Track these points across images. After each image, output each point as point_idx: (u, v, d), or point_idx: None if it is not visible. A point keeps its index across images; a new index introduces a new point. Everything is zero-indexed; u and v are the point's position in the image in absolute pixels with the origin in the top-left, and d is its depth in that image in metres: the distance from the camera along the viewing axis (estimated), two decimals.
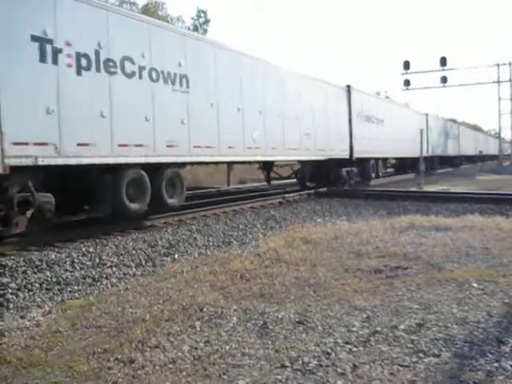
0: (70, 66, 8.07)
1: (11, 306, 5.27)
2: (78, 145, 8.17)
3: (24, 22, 7.35)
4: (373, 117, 21.73)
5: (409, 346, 3.77)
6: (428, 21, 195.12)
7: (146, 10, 37.90)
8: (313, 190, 16.82)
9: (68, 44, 8.01)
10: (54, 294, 5.72)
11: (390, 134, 22.23)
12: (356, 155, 19.48)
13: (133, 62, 9.35)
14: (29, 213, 7.37)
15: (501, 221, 9.49)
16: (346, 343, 3.86)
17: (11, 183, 7.28)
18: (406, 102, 29.65)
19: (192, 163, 12.58)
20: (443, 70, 36.57)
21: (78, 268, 6.69)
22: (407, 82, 37.97)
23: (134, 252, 7.64)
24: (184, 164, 11.72)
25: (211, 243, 8.57)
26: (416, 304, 4.75)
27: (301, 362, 3.55)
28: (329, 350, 3.73)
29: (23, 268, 6.52)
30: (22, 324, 4.68)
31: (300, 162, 17.15)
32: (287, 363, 3.53)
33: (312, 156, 16.54)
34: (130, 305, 5.06)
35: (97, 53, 8.57)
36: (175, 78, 10.41)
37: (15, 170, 7.11)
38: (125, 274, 6.58)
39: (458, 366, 3.40)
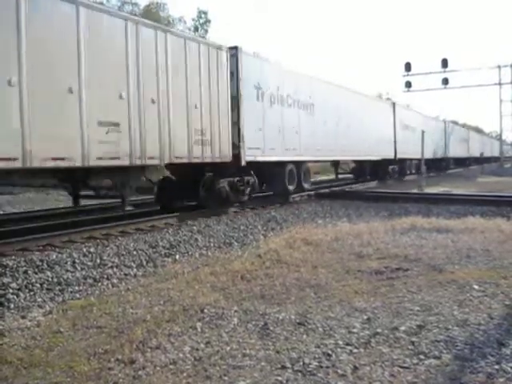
0: (267, 101, 13.82)
1: (12, 306, 5.27)
2: (270, 149, 13.70)
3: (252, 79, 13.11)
4: (409, 126, 27.08)
5: (409, 347, 3.77)
6: (429, 22, 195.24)
7: (147, 11, 37.99)
8: (313, 192, 16.81)
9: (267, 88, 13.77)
10: (54, 294, 5.72)
11: (417, 140, 24.07)
12: (398, 156, 24.96)
13: (290, 97, 15.16)
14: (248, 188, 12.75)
15: (502, 223, 9.48)
16: (347, 344, 3.87)
17: (248, 170, 12.88)
18: (408, 103, 29.90)
19: (319, 161, 20.77)
20: (444, 71, 36.62)
21: (78, 268, 6.70)
22: (408, 84, 38.00)
23: (134, 252, 7.64)
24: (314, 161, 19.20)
25: (212, 244, 8.57)
26: (417, 306, 4.75)
27: (301, 363, 3.55)
28: (329, 352, 3.73)
29: (24, 268, 6.53)
30: (22, 324, 4.69)
31: (367, 161, 22.98)
32: (288, 364, 3.53)
33: (375, 157, 22.51)
34: (130, 305, 5.07)
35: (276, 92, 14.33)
36: (307, 106, 16.22)
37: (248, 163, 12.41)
38: (126, 275, 6.58)
39: (459, 367, 3.40)
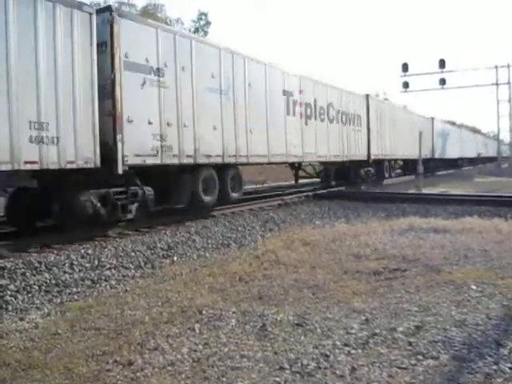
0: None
1: (10, 308, 5.27)
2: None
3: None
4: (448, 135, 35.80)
5: (407, 348, 3.78)
6: (427, 23, 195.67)
7: (144, 12, 37.94)
8: (311, 193, 16.86)
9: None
10: (52, 296, 5.72)
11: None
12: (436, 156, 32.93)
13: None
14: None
15: (499, 223, 9.50)
16: (345, 345, 3.87)
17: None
18: (405, 104, 29.79)
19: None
20: (442, 72, 36.59)
21: (76, 270, 6.69)
22: (406, 84, 37.98)
23: (132, 254, 7.63)
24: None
25: (210, 245, 8.57)
26: (415, 306, 4.76)
27: (299, 364, 3.55)
28: (327, 353, 3.73)
29: (22, 270, 6.51)
30: (20, 326, 4.69)
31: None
32: (286, 365, 3.54)
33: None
34: (129, 307, 5.06)
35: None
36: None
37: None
38: (124, 276, 6.58)
39: (457, 368, 3.41)
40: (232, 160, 12.20)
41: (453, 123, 51.11)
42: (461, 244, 7.62)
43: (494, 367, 3.39)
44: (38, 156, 7.39)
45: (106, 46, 8.68)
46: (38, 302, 5.50)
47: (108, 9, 8.89)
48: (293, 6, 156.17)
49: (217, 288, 5.63)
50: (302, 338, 4.08)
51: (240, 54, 12.67)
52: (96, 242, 8.28)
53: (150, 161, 9.55)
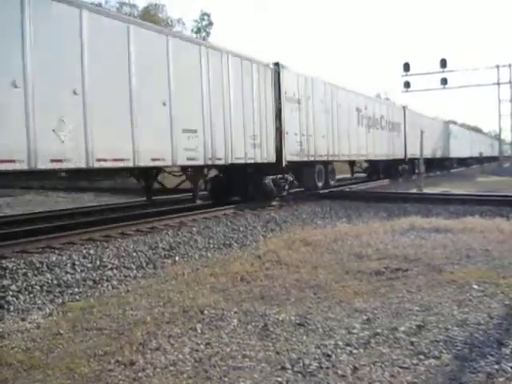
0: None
1: (12, 308, 5.27)
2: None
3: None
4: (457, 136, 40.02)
5: (409, 347, 3.77)
6: (428, 23, 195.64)
7: (146, 13, 37.99)
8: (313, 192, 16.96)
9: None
10: (54, 296, 5.72)
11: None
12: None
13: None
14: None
15: (501, 223, 9.49)
16: (347, 345, 3.87)
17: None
18: (407, 103, 29.88)
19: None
20: (443, 71, 36.60)
21: (78, 270, 6.70)
22: (407, 84, 37.98)
23: (134, 254, 7.64)
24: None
25: (212, 245, 8.57)
26: (416, 306, 4.75)
27: (301, 364, 3.55)
28: (329, 352, 3.73)
29: (24, 270, 6.53)
30: (22, 326, 4.69)
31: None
32: (288, 365, 3.54)
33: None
34: (130, 307, 5.07)
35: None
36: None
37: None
38: (125, 276, 6.58)
39: (459, 367, 3.41)
40: (331, 158, 18.00)
41: (454, 123, 51.12)
42: (462, 244, 7.61)
43: (496, 367, 3.38)
44: (254, 155, 13.24)
45: (276, 86, 14.36)
46: (39, 302, 5.50)
47: (277, 64, 14.49)
48: (293, 6, 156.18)
49: (218, 288, 5.63)
50: (304, 337, 4.08)
51: (334, 85, 18.35)
52: (98, 242, 8.30)
53: (295, 158, 15.22)
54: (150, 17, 35.21)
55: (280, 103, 14.43)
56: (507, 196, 14.23)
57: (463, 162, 45.70)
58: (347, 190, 18.92)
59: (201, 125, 11.27)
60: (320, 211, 12.95)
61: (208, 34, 40.51)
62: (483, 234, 8.39)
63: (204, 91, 11.40)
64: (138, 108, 9.49)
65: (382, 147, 23.41)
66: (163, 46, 10.31)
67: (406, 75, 37.70)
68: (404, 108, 27.61)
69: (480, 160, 51.84)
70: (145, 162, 9.72)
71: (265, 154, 13.74)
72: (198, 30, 39.77)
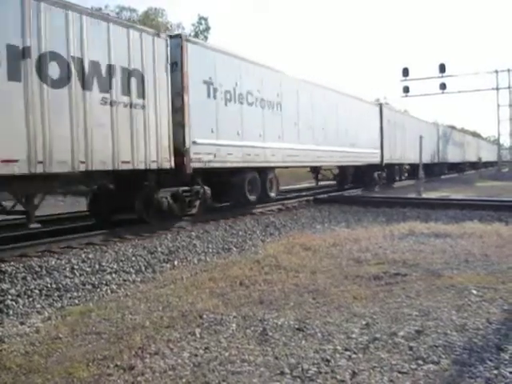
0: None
1: (11, 312, 5.27)
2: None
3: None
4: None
5: (408, 352, 3.77)
6: (427, 28, 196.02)
7: (146, 17, 38.10)
8: (312, 197, 16.90)
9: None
10: (53, 300, 5.72)
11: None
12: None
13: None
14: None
15: (500, 227, 9.51)
16: (346, 350, 3.87)
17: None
18: (406, 108, 29.86)
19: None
20: (442, 76, 36.66)
21: (77, 274, 6.70)
22: (406, 89, 38.05)
23: (133, 258, 7.64)
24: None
25: (211, 250, 8.57)
26: (415, 311, 4.75)
27: (300, 368, 3.55)
28: (328, 357, 3.73)
29: (23, 274, 6.53)
30: (21, 330, 4.69)
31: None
32: (286, 370, 3.54)
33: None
34: (129, 311, 5.07)
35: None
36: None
37: None
38: (124, 281, 6.58)
39: (458, 373, 3.41)
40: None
41: (453, 127, 51.25)
42: (461, 248, 7.62)
43: (495, 372, 3.39)
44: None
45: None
46: (38, 306, 5.50)
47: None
48: (292, 9, 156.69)
49: (217, 292, 5.63)
50: (303, 342, 4.08)
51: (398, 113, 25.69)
52: (97, 247, 8.30)
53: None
54: (150, 21, 35.31)
55: None
56: (506, 201, 14.25)
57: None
58: (346, 194, 18.91)
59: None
60: (319, 216, 12.96)
61: (206, 38, 40.64)
62: (482, 238, 8.40)
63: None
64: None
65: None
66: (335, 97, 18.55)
67: (405, 80, 37.77)
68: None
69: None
70: None
71: None
72: (196, 34, 39.89)
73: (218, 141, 11.67)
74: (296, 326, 4.44)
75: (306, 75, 16.70)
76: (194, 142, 10.78)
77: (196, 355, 3.88)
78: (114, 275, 6.78)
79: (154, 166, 9.73)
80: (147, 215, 10.16)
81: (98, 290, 6.16)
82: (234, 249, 8.73)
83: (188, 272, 6.84)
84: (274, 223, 11.57)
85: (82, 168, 8.34)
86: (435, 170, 34.14)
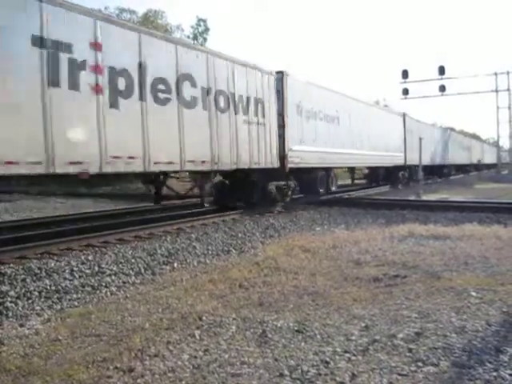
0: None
1: (10, 314, 5.27)
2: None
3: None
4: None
5: (407, 354, 3.78)
6: (426, 30, 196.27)
7: (145, 19, 38.13)
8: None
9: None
10: (53, 302, 5.72)
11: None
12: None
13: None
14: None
15: (499, 230, 9.52)
16: (345, 352, 3.87)
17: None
18: (405, 110, 30.03)
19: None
20: (441, 78, 36.74)
21: (77, 276, 6.70)
22: (406, 91, 38.14)
23: (133, 260, 7.64)
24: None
25: (210, 252, 8.57)
26: (415, 313, 4.76)
27: (300, 370, 3.55)
28: (328, 359, 3.74)
29: (22, 276, 6.54)
30: (21, 332, 4.69)
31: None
32: (286, 372, 3.54)
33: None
34: (129, 313, 5.07)
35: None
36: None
37: None
38: (124, 283, 6.58)
39: (457, 375, 3.41)
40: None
41: (452, 129, 51.32)
42: (461, 251, 7.63)
43: (494, 374, 3.39)
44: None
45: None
46: (38, 308, 5.50)
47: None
48: (293, 9, 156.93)
49: (217, 294, 5.64)
50: (302, 344, 4.09)
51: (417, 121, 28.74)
52: (96, 248, 8.31)
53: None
54: (150, 23, 35.33)
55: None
56: (505, 203, 14.27)
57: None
58: (346, 196, 18.96)
59: None
60: (319, 218, 12.96)
61: (205, 39, 40.66)
62: (481, 240, 8.41)
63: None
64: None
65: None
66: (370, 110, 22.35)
67: (405, 82, 37.88)
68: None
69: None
70: None
71: None
72: (195, 37, 39.91)
73: (303, 148, 15.34)
74: (295, 328, 4.44)
75: (312, 77, 19.15)
76: (290, 149, 14.56)
77: (195, 357, 3.89)
78: (113, 277, 6.77)
79: (269, 166, 13.78)
80: (260, 200, 13.94)
81: (98, 292, 6.16)
82: (234, 251, 8.73)
83: (187, 274, 6.84)
84: (273, 225, 11.58)
85: (234, 167, 12.47)
86: (445, 171, 37.73)
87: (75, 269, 6.97)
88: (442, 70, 36.27)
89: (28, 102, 7.39)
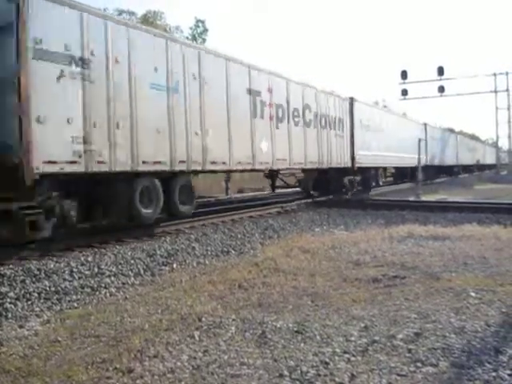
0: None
1: (10, 315, 5.27)
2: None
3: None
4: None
5: (407, 355, 3.78)
6: (425, 31, 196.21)
7: (144, 20, 38.13)
8: (310, 200, 16.96)
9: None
10: (52, 303, 5.72)
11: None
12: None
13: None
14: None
15: (499, 230, 9.53)
16: (344, 352, 3.87)
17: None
18: (404, 111, 30.03)
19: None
20: (440, 79, 36.70)
21: (76, 277, 6.69)
22: (405, 92, 38.12)
23: (132, 261, 7.64)
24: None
25: (209, 253, 8.57)
26: (414, 313, 4.76)
27: (299, 371, 3.56)
28: (327, 360, 3.74)
29: (22, 277, 6.53)
30: (20, 333, 4.69)
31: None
32: (286, 372, 3.54)
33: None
34: (128, 314, 5.07)
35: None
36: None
37: None
38: (123, 284, 6.58)
39: (456, 375, 3.41)
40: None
41: (451, 130, 51.42)
42: (460, 251, 7.63)
43: (493, 374, 3.39)
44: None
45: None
46: (37, 309, 5.50)
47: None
48: (292, 10, 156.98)
49: (216, 295, 5.64)
50: (302, 345, 4.09)
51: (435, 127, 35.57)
52: (96, 249, 8.30)
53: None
54: (149, 24, 35.34)
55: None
56: (504, 203, 14.28)
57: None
58: (346, 197, 18.95)
59: None
60: (318, 218, 12.97)
61: (204, 40, 40.66)
62: (481, 241, 8.42)
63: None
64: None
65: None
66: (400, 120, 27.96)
67: (404, 83, 37.85)
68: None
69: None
70: None
71: None
72: (194, 37, 39.90)
73: (364, 152, 20.17)
74: (295, 329, 4.44)
75: (311, 78, 22.05)
76: (357, 154, 19.60)
77: (195, 358, 3.89)
78: (112, 278, 6.77)
79: (345, 165, 18.94)
80: (337, 190, 18.91)
81: (97, 293, 6.16)
82: (233, 252, 8.74)
83: (187, 275, 6.84)
84: (272, 226, 11.58)
85: (329, 166, 17.65)
86: (454, 171, 42.40)
87: (75, 270, 6.97)
88: (441, 71, 36.25)
89: (245, 125, 12.87)
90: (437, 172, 35.47)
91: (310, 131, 16.24)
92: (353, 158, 19.45)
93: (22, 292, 5.97)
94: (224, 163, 11.97)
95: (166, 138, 10.02)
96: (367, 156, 20.43)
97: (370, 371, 3.50)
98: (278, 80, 14.66)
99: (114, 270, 7.14)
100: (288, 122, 14.83)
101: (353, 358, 3.76)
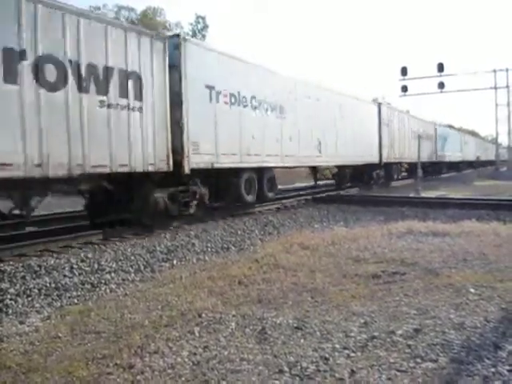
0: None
1: (10, 311, 5.28)
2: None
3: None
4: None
5: (406, 351, 3.79)
6: (426, 27, 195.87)
7: (144, 16, 38.08)
8: (310, 196, 16.95)
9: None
10: (52, 299, 5.73)
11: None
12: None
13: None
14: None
15: (498, 226, 9.52)
16: (344, 348, 3.89)
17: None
18: (404, 107, 30.29)
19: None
20: (440, 75, 36.58)
21: (76, 274, 6.70)
22: (405, 88, 38.02)
23: (132, 258, 7.65)
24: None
25: (209, 249, 8.59)
26: (413, 309, 4.77)
27: (299, 367, 3.57)
28: (327, 356, 3.75)
29: (22, 274, 6.54)
30: (21, 329, 4.70)
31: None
32: (285, 368, 3.55)
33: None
34: (128, 310, 5.08)
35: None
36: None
37: None
38: (123, 280, 6.59)
39: (455, 371, 3.43)
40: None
41: (451, 126, 51.49)
42: (459, 247, 7.64)
43: (493, 370, 3.41)
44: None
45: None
46: (37, 305, 5.52)
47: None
48: (292, 9, 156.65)
49: (216, 291, 5.65)
50: (302, 341, 4.10)
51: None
52: (96, 246, 8.31)
53: None
54: (148, 21, 35.30)
55: None
56: (504, 200, 14.27)
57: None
58: (343, 194, 18.95)
59: None
60: (317, 215, 12.97)
61: (204, 36, 40.62)
62: (480, 237, 8.42)
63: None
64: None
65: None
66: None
67: (404, 79, 37.74)
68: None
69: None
70: None
71: None
72: (194, 33, 39.87)
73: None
74: (295, 325, 4.46)
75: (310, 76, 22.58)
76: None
77: (195, 354, 3.90)
78: (113, 274, 6.79)
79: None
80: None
81: (97, 289, 6.17)
82: (233, 248, 8.75)
83: (187, 271, 6.85)
84: (272, 222, 11.58)
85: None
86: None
87: (75, 266, 6.98)
88: (441, 67, 36.14)
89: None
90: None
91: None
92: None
93: (23, 288, 5.98)
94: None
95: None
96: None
97: (369, 367, 3.52)
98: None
99: (114, 266, 7.15)
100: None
101: (352, 354, 3.77)
